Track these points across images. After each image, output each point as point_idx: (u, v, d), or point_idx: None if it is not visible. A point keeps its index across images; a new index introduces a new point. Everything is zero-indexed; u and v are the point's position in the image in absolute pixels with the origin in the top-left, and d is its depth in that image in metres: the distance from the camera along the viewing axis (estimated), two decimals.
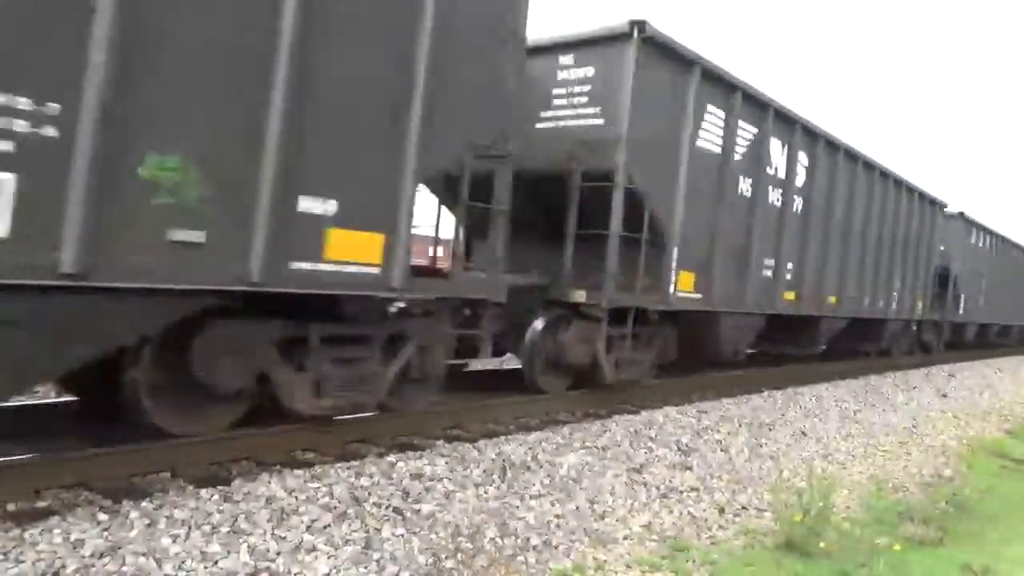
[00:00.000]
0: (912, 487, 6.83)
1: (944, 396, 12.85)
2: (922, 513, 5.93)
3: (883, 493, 6.43)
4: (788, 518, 4.80)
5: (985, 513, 6.33)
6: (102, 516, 3.59)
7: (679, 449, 6.61)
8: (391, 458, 5.05)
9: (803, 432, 8.22)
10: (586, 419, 7.16)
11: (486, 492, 4.80)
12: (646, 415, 7.57)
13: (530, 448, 5.78)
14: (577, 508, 4.88)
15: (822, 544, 4.68)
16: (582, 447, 6.08)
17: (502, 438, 6.02)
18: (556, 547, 4.27)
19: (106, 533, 3.44)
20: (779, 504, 5.03)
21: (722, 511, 5.35)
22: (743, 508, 5.51)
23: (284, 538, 3.68)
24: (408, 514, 4.24)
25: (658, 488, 5.55)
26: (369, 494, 4.39)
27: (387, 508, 4.26)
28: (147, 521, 3.59)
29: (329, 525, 3.91)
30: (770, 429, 8.07)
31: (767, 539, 4.88)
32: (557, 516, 4.66)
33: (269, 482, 4.29)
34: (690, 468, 6.16)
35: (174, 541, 3.47)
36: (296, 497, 4.15)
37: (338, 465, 4.76)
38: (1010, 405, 13.28)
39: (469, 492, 4.72)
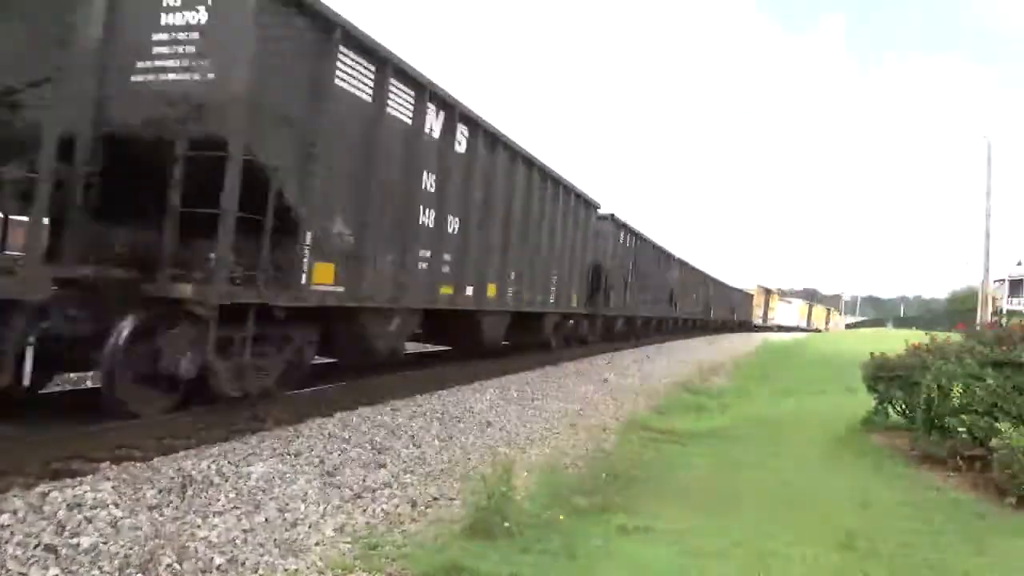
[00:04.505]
0: (581, 464, 7.64)
1: (605, 381, 14.61)
2: (589, 486, 6.66)
3: (556, 471, 7.10)
4: (475, 504, 5.08)
5: (636, 479, 7.30)
6: None
7: (373, 448, 6.65)
8: (41, 488, 4.36)
9: (489, 422, 8.78)
10: (277, 426, 6.87)
11: (162, 514, 4.37)
12: (339, 416, 7.49)
13: (214, 461, 5.40)
14: (266, 519, 4.66)
15: (506, 524, 5.02)
16: (272, 455, 5.83)
17: (181, 453, 5.54)
18: (243, 564, 4.03)
19: None
20: (467, 491, 5.29)
21: (414, 504, 5.49)
22: (434, 499, 5.71)
23: None
24: (64, 551, 3.70)
25: (352, 489, 5.53)
26: (12, 534, 3.74)
27: (36, 548, 3.67)
28: None
29: None
30: (459, 421, 8.48)
31: (456, 526, 5.11)
32: (244, 531, 4.41)
33: None
34: (384, 465, 6.23)
35: None
36: None
37: None
38: (654, 386, 15.52)
39: (142, 516, 4.26)
